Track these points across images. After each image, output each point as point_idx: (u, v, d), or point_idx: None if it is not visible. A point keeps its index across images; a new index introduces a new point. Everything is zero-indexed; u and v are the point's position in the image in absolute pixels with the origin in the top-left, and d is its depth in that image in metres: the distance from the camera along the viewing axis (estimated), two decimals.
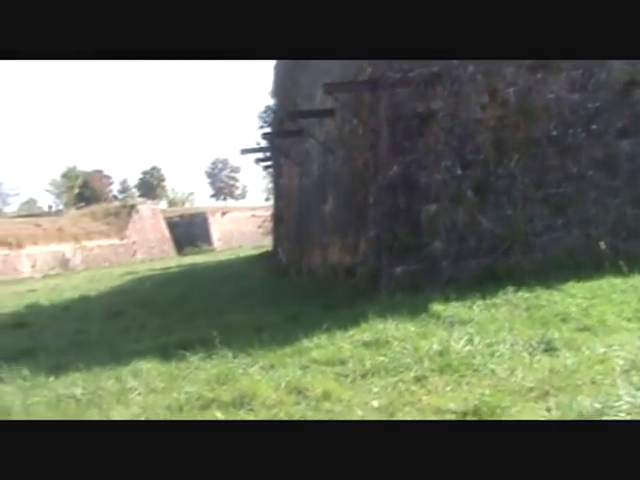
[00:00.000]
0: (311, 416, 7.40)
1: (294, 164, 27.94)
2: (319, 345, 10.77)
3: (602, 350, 8.67)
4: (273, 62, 35.56)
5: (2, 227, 66.66)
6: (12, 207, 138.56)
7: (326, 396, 8.05)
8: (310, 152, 24.41)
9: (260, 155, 36.91)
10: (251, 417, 7.53)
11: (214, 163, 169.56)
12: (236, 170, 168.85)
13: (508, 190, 15.51)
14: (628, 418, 6.18)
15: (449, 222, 15.22)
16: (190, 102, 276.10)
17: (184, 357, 10.93)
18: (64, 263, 68.07)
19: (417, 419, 7.02)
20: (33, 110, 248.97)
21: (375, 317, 11.84)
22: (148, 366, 10.78)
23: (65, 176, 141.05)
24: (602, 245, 14.91)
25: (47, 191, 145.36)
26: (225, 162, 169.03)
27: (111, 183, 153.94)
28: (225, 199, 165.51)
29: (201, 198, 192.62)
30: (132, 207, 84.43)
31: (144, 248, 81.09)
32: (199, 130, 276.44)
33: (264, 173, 79.14)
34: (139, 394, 9.36)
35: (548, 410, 6.80)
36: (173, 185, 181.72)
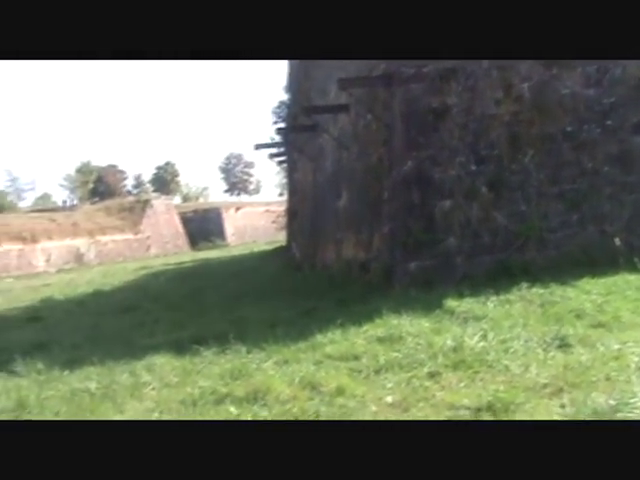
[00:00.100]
0: (324, 411, 7.41)
1: (308, 159, 27.93)
2: (333, 340, 10.76)
3: (617, 347, 8.63)
4: None
5: (17, 222, 66.90)
6: (27, 202, 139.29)
7: (340, 391, 8.05)
8: (324, 147, 24.39)
9: (274, 150, 36.95)
10: (265, 412, 7.54)
11: (228, 158, 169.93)
12: (250, 165, 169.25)
13: (522, 186, 15.47)
14: None
15: (463, 218, 15.19)
16: (204, 97, 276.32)
17: (198, 352, 10.95)
18: (78, 258, 68.23)
19: (431, 415, 7.02)
20: (48, 105, 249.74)
21: (389, 313, 11.83)
22: (162, 361, 10.81)
23: (79, 171, 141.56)
24: (617, 241, 14.87)
25: (61, 186, 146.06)
26: (239, 157, 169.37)
27: (125, 178, 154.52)
28: (239, 194, 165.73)
29: (215, 193, 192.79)
30: (146, 202, 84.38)
31: (158, 243, 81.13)
32: (213, 125, 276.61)
33: (278, 168, 79.55)
34: (153, 388, 9.40)
35: (562, 407, 6.78)
36: (187, 180, 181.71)
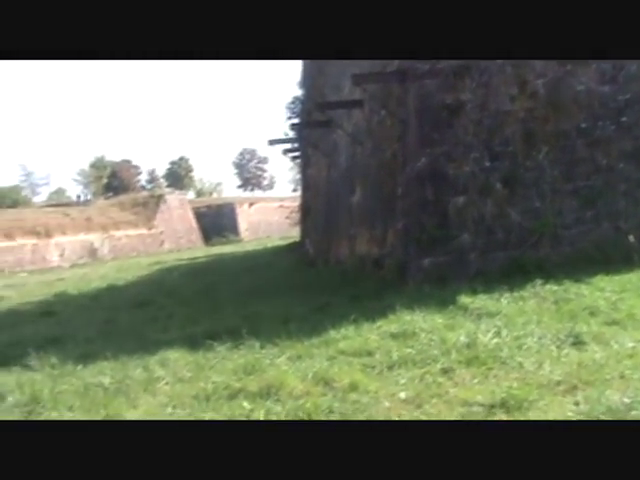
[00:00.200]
0: (338, 407, 7.41)
1: (322, 155, 27.95)
2: (346, 336, 10.76)
3: (631, 344, 8.61)
4: None
5: (31, 216, 67.20)
6: (41, 197, 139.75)
7: (353, 387, 8.05)
8: (338, 143, 24.40)
9: (288, 146, 36.99)
10: (278, 408, 7.54)
11: (242, 153, 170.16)
12: (264, 161, 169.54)
13: (537, 182, 15.43)
14: None
15: (477, 214, 15.16)
16: (218, 93, 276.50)
17: (211, 347, 10.96)
18: (92, 252, 68.50)
19: (444, 411, 7.02)
20: (63, 101, 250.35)
21: (402, 309, 11.81)
22: (175, 355, 10.83)
23: (93, 166, 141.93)
24: (631, 238, 14.83)
25: (75, 181, 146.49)
26: (253, 153, 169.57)
27: (139, 173, 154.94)
28: (252, 190, 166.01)
29: (229, 188, 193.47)
30: (160, 197, 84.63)
31: (172, 238, 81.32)
32: (227, 120, 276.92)
33: (292, 164, 79.48)
34: (166, 383, 9.42)
35: (576, 404, 6.76)
36: (201, 175, 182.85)
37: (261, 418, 7.25)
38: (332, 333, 10.98)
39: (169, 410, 8.15)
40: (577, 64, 15.60)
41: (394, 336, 10.35)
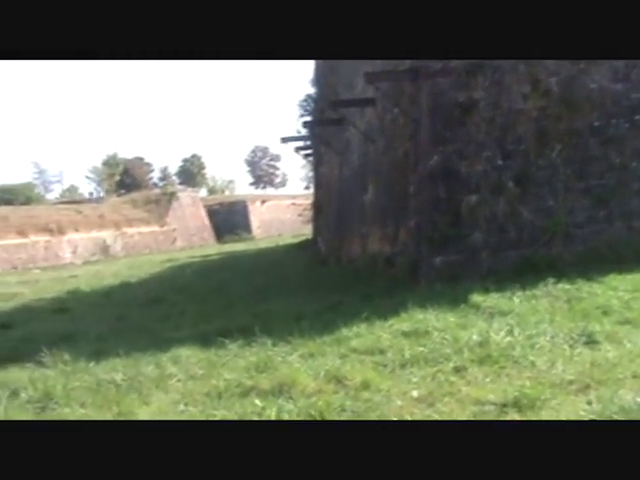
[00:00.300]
0: (350, 405, 7.41)
1: (334, 153, 27.94)
2: (358, 334, 10.76)
3: None
4: None
5: (44, 213, 67.34)
6: (54, 194, 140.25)
7: (365, 385, 8.05)
8: (351, 141, 24.39)
9: (300, 144, 36.92)
10: (290, 405, 7.54)
11: (254, 151, 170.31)
12: (276, 158, 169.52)
13: (549, 181, 15.40)
14: None
15: (489, 213, 15.14)
16: (231, 90, 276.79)
17: (223, 344, 10.96)
18: (105, 250, 68.60)
19: (456, 410, 7.02)
20: (75, 98, 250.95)
21: (415, 307, 11.81)
22: (187, 353, 10.84)
23: (106, 163, 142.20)
24: None
25: (88, 178, 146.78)
26: (265, 150, 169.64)
27: (151, 171, 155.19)
28: (265, 187, 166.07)
29: (241, 186, 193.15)
30: (172, 195, 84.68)
31: (184, 235, 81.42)
32: (239, 118, 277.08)
33: (304, 162, 79.30)
34: (178, 380, 9.43)
35: (589, 403, 6.75)
36: (213, 173, 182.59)
37: (273, 416, 7.25)
38: (344, 331, 10.97)
39: (181, 407, 8.16)
40: (590, 62, 15.56)
41: (406, 334, 10.34)
